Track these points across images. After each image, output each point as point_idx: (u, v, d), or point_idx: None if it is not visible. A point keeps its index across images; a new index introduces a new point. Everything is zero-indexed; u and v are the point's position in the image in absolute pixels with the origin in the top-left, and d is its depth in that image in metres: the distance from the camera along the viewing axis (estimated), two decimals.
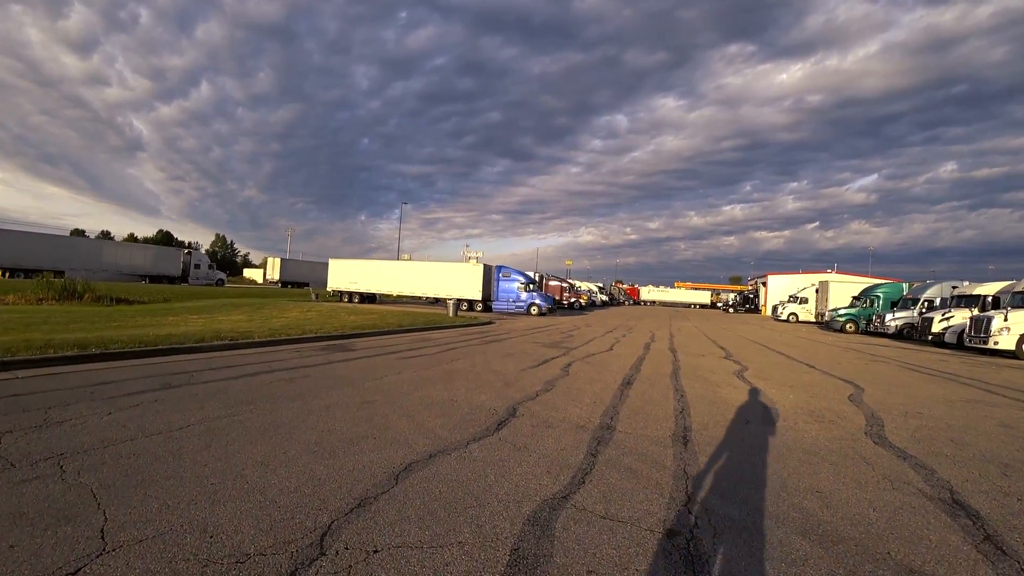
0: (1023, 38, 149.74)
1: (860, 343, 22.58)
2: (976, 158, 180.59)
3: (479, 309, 35.08)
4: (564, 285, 48.73)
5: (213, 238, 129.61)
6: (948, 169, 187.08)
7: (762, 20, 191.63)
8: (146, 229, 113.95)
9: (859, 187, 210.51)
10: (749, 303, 68.62)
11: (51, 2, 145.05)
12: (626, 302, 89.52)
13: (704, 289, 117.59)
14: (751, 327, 33.29)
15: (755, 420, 6.35)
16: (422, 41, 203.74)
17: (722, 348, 16.37)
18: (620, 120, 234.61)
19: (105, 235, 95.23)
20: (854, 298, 34.63)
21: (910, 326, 28.89)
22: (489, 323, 22.93)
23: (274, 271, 65.06)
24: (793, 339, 23.10)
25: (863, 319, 32.49)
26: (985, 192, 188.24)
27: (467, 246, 73.91)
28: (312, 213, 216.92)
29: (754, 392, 8.37)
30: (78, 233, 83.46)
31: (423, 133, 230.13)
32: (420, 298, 37.97)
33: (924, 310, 28.98)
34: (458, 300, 36.68)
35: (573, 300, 47.85)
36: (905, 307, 29.80)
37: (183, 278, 53.51)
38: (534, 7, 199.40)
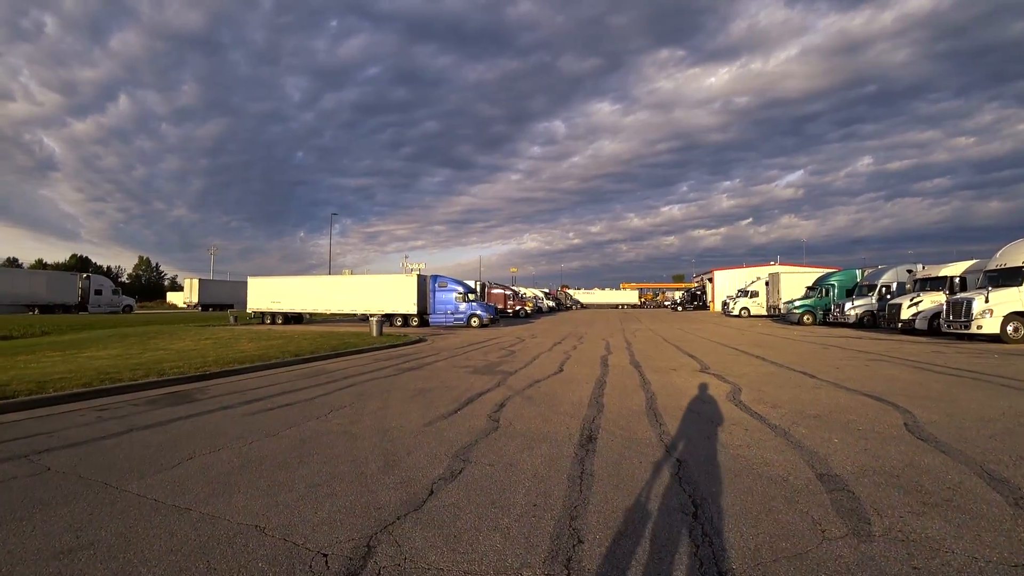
0: (923, 40, 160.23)
1: (831, 336, 20.61)
2: (888, 152, 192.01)
3: (415, 324, 31.71)
4: (507, 293, 45.85)
5: (136, 261, 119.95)
6: (865, 163, 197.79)
7: (690, 25, 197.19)
8: (60, 254, 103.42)
9: (787, 183, 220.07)
10: (697, 300, 67.87)
11: None
12: (574, 306, 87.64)
13: (644, 288, 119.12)
14: (707, 325, 31.30)
15: (842, 532, 3.42)
16: (354, 50, 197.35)
17: (691, 356, 13.72)
18: (558, 126, 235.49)
19: (12, 262, 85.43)
20: (808, 288, 33.30)
21: (870, 313, 27.56)
22: (419, 341, 19.62)
23: (192, 294, 58.96)
24: (758, 336, 20.91)
25: (820, 309, 31.12)
26: (898, 183, 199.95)
27: (406, 257, 69.93)
28: (247, 231, 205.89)
29: (780, 437, 5.50)
30: None
31: (360, 145, 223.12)
32: (352, 315, 34.21)
33: (883, 296, 27.74)
34: (383, 316, 32.97)
35: (518, 308, 45.03)
36: (862, 294, 28.48)
37: (81, 306, 47.30)
38: (467, 14, 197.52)
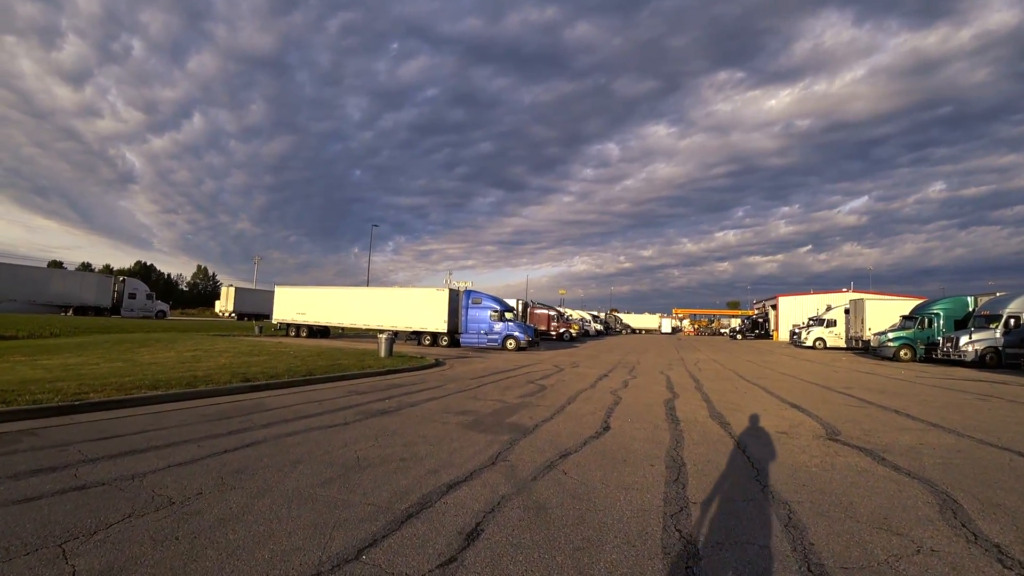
0: (1004, 59, 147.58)
1: (955, 378, 15.79)
2: (963, 177, 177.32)
3: (445, 343, 28.33)
4: (551, 314, 41.93)
5: (195, 270, 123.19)
6: (937, 189, 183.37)
7: (751, 47, 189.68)
8: (129, 261, 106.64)
9: (850, 209, 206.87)
10: (759, 328, 61.91)
11: (44, 33, 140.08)
12: (624, 331, 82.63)
13: (698, 314, 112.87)
14: (781, 358, 26.51)
15: None
16: (413, 72, 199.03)
17: (793, 406, 9.56)
18: (611, 149, 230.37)
19: (85, 267, 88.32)
20: (905, 318, 27.93)
21: (993, 350, 22.28)
22: (433, 366, 16.07)
23: (228, 302, 57.67)
24: (859, 376, 16.28)
25: (921, 343, 25.84)
26: (974, 210, 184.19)
27: (450, 273, 67.37)
28: (305, 246, 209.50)
29: None
30: (55, 265, 75.94)
31: (415, 164, 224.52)
32: (383, 330, 31.28)
33: (1011, 328, 22.42)
34: (412, 333, 29.97)
35: (563, 331, 41.00)
36: (981, 327, 23.17)
37: (115, 309, 46.39)
38: (525, 37, 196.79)
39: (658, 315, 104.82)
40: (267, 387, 9.96)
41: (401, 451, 5.59)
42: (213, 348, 18.36)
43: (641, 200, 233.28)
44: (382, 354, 17.68)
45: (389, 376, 13.27)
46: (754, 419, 8.07)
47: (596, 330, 55.61)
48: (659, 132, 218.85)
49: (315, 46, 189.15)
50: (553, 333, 40.42)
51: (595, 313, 65.52)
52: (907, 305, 31.26)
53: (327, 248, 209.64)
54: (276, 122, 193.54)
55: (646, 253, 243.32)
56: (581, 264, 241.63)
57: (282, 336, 32.79)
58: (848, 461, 5.63)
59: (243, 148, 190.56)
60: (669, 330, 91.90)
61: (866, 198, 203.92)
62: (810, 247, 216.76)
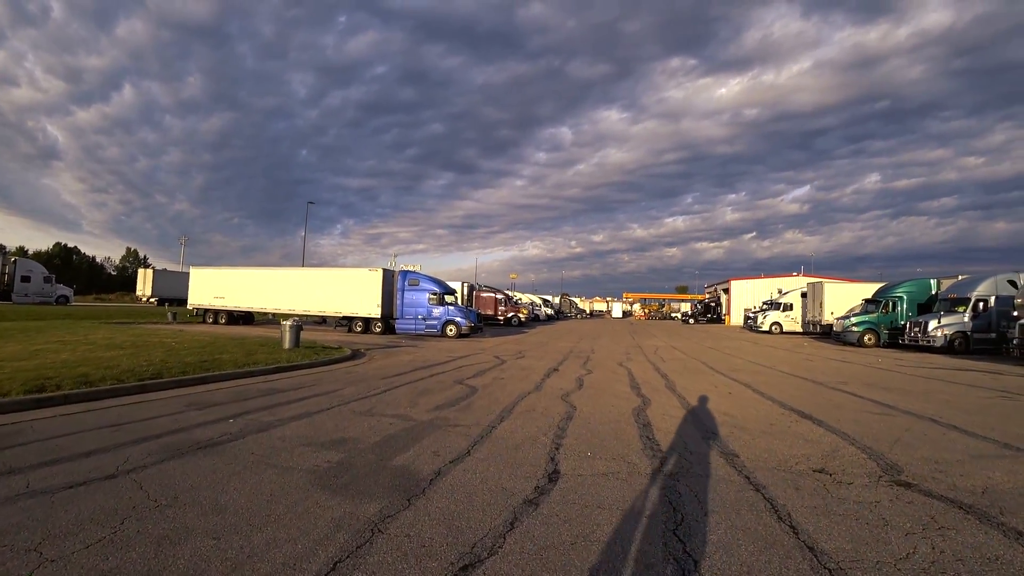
0: (938, 57, 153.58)
1: (935, 366, 14.00)
2: (896, 170, 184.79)
3: (378, 330, 25.25)
4: (499, 297, 39.21)
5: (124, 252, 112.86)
6: (872, 180, 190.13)
7: (703, 34, 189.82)
8: (51, 243, 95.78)
9: (792, 198, 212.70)
10: (711, 312, 61.19)
11: None
12: (578, 315, 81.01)
13: (648, 299, 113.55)
14: (742, 344, 24.75)
15: None
16: (362, 48, 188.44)
17: (806, 416, 7.18)
18: (564, 132, 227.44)
19: None
20: (867, 302, 26.66)
21: (962, 335, 21.05)
22: (347, 359, 13.12)
23: (146, 286, 51.92)
24: (835, 365, 14.29)
25: (884, 327, 24.57)
26: (905, 201, 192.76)
27: (394, 256, 63.44)
28: (249, 228, 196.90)
29: None
30: None
31: (364, 145, 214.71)
32: (325, 316, 27.86)
33: (979, 312, 21.24)
34: (343, 319, 26.69)
35: (511, 315, 38.38)
36: (951, 311, 21.90)
37: (5, 294, 40.68)
38: (478, 15, 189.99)
39: (609, 299, 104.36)
40: (64, 400, 6.79)
41: (138, 565, 2.71)
42: (79, 339, 14.67)
43: (593, 185, 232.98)
44: (286, 344, 14.53)
45: (277, 375, 10.24)
46: (768, 443, 5.57)
47: (547, 314, 53.34)
48: (611, 117, 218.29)
49: (257, 15, 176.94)
50: (501, 318, 37.79)
51: (546, 297, 63.26)
52: (865, 289, 30.17)
53: (273, 231, 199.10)
54: (215, 97, 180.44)
55: (597, 238, 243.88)
56: (533, 249, 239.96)
57: (199, 323, 28.97)
58: (968, 542, 3.14)
59: (179, 124, 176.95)
60: (620, 314, 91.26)
61: (808, 187, 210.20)
62: (755, 234, 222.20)
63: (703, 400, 8.29)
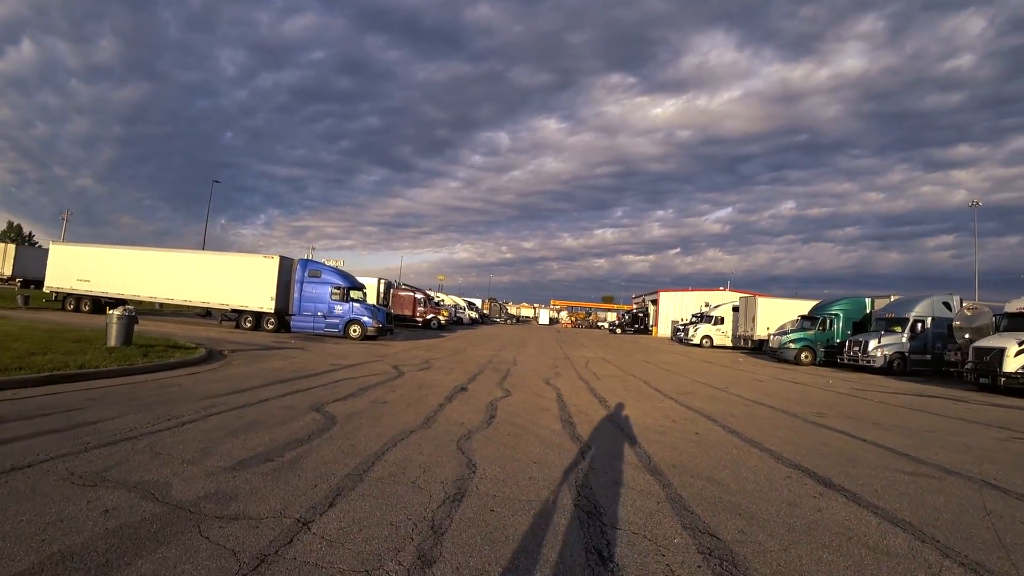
0: (852, 99, 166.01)
1: (893, 391, 12.22)
2: (810, 199, 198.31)
3: (271, 327, 21.55)
4: (419, 297, 35.90)
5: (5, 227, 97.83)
6: (788, 207, 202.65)
7: (644, 54, 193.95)
8: None
9: (715, 218, 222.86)
10: (639, 323, 60.46)
11: None
12: (506, 320, 78.52)
13: (576, 307, 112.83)
14: (676, 357, 22.93)
15: None
16: (299, 30, 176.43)
17: (806, 471, 4.67)
18: (502, 137, 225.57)
19: None
20: (804, 318, 25.59)
21: (900, 356, 20.06)
22: (192, 364, 9.70)
23: (6, 265, 44.19)
24: (795, 389, 12.27)
25: (820, 345, 23.49)
26: (815, 228, 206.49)
27: (312, 248, 58.59)
28: (163, 211, 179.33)
29: None
30: None
31: (294, 132, 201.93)
32: (211, 307, 23.53)
33: (917, 333, 20.39)
34: (233, 312, 22.40)
35: (430, 316, 35.18)
36: (889, 331, 20.92)
37: None
38: (423, 9, 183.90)
39: (536, 306, 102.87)
40: None
41: None
42: None
43: (527, 192, 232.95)
44: (112, 341, 10.89)
45: (50, 387, 6.75)
46: (816, 567, 2.95)
47: (471, 318, 50.47)
48: (550, 126, 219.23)
49: None
50: (419, 319, 34.51)
51: (472, 300, 60.37)
52: (796, 306, 29.32)
53: (190, 216, 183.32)
54: (131, 64, 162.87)
55: (528, 245, 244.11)
56: (463, 252, 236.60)
57: (57, 310, 24.15)
58: None
59: (88, 90, 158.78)
60: (547, 321, 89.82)
61: (730, 209, 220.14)
62: (679, 249, 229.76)
63: (666, 448, 5.66)
